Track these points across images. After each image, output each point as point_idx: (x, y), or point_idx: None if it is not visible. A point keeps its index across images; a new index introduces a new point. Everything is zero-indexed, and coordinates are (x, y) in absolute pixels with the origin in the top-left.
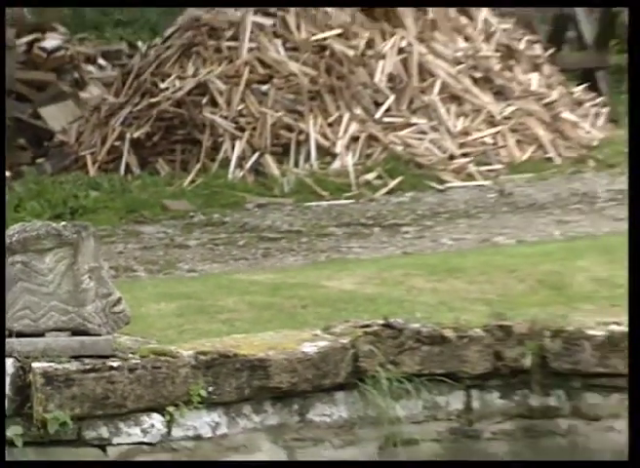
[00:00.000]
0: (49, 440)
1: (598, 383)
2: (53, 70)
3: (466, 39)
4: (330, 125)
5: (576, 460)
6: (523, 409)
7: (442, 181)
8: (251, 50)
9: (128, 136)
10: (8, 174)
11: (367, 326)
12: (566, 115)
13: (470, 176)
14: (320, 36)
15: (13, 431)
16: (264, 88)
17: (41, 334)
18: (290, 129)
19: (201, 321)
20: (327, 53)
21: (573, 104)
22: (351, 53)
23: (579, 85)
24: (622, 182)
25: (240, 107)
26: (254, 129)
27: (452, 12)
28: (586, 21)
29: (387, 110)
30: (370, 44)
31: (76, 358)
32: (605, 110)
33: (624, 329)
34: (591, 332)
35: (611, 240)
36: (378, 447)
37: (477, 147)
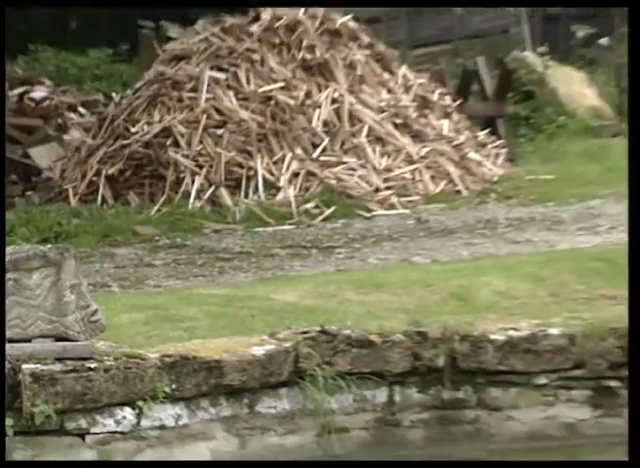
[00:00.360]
0: (35, 430)
1: (499, 379)
2: (40, 117)
3: (389, 91)
4: (275, 163)
5: (576, 460)
6: (437, 402)
7: (369, 210)
8: (207, 100)
9: (104, 172)
10: None
11: (306, 332)
12: (472, 155)
13: (392, 206)
14: (266, 88)
15: (5, 423)
16: (219, 131)
17: (29, 340)
18: (241, 166)
19: (165, 328)
20: (272, 102)
21: (477, 146)
22: (292, 102)
23: (482, 130)
24: (519, 211)
25: (199, 148)
26: (210, 166)
27: (376, 68)
28: (488, 77)
29: (323, 150)
30: (308, 95)
31: (59, 360)
32: (503, 151)
33: (522, 334)
34: (493, 337)
35: (509, 259)
36: (315, 434)
37: (398, 182)
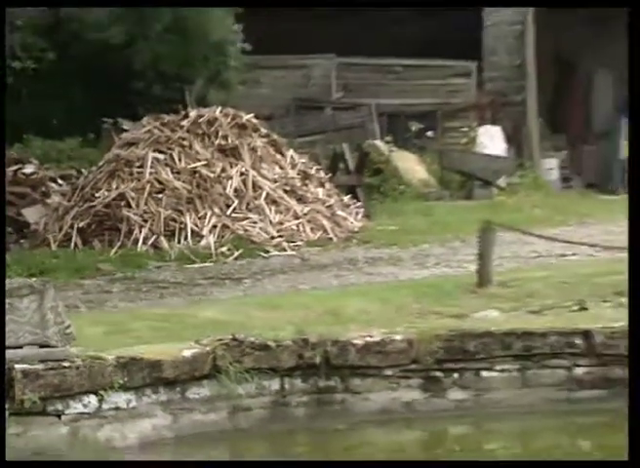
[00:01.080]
0: (25, 412)
1: (359, 372)
2: (30, 186)
3: (280, 167)
4: (199, 218)
5: (576, 460)
6: (314, 389)
7: (267, 252)
8: (151, 173)
9: (75, 225)
10: None
11: (221, 339)
12: (339, 212)
13: (283, 249)
14: (193, 165)
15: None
16: (159, 196)
17: (21, 347)
18: (175, 221)
19: (120, 338)
20: (197, 175)
21: (343, 206)
22: (212, 175)
23: (346, 195)
24: (372, 252)
25: (144, 208)
26: (153, 221)
27: (271, 151)
28: (350, 158)
29: (234, 209)
30: (223, 170)
31: (42, 361)
32: (362, 210)
33: (375, 339)
34: (355, 341)
35: (366, 287)
36: (228, 412)
37: (287, 231)
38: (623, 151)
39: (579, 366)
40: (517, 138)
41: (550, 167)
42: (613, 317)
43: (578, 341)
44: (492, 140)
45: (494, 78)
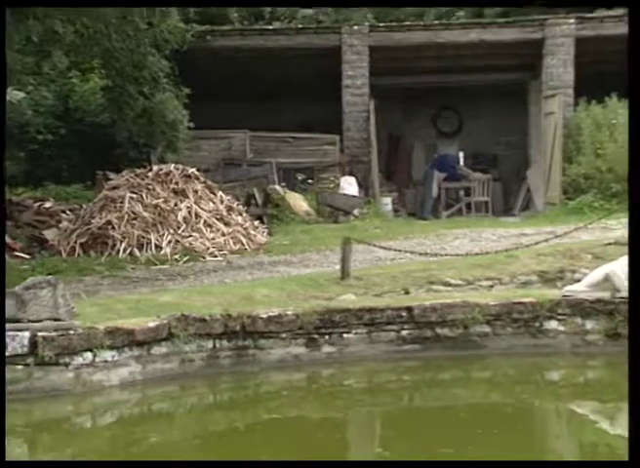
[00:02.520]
0: (44, 363)
1: (265, 336)
2: (48, 215)
3: (213, 203)
4: (160, 236)
5: (576, 460)
6: (235, 346)
7: (204, 258)
8: (128, 207)
9: (78, 241)
10: (28, 256)
11: (174, 315)
12: (252, 231)
13: (215, 256)
14: (155, 201)
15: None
16: (134, 221)
17: (41, 321)
18: (144, 238)
19: (107, 314)
20: (158, 208)
21: (254, 228)
22: (168, 208)
23: (256, 220)
24: (272, 258)
25: (124, 229)
26: (129, 238)
27: (208, 192)
28: (259, 196)
29: (183, 230)
30: (175, 204)
31: (56, 330)
32: (266, 231)
33: (274, 313)
34: (262, 315)
35: (269, 280)
36: (178, 363)
37: (218, 244)
38: (434, 192)
39: (404, 329)
40: (365, 185)
41: (386, 202)
42: (425, 297)
43: (403, 314)
44: (349, 186)
45: (350, 146)
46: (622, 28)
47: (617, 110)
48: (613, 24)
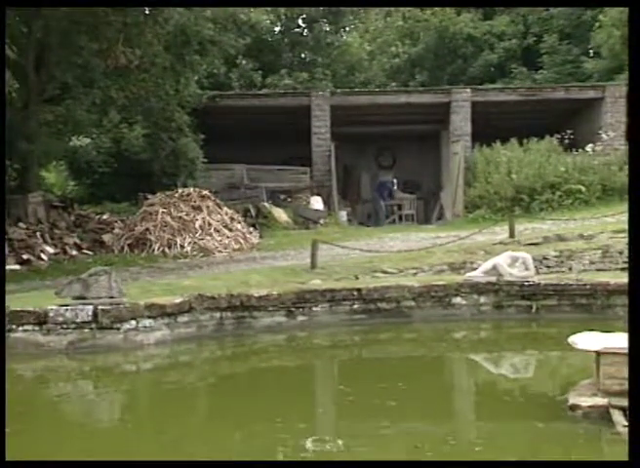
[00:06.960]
0: (103, 328)
1: (259, 309)
2: (106, 225)
3: (220, 215)
4: (183, 239)
5: (576, 460)
6: (236, 316)
7: (214, 254)
8: (161, 219)
9: (126, 243)
10: (91, 253)
11: (193, 294)
12: (248, 236)
13: (221, 253)
14: (179, 214)
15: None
16: (165, 228)
17: (100, 298)
18: (171, 240)
19: (146, 294)
20: (181, 219)
21: (249, 233)
22: (188, 218)
23: (251, 227)
24: (263, 254)
25: (157, 234)
26: (162, 240)
27: (217, 208)
28: (253, 211)
29: (199, 234)
30: (194, 216)
31: (111, 305)
32: (258, 234)
33: (262, 293)
34: (256, 295)
35: (259, 269)
36: (196, 328)
37: (223, 245)
38: (382, 206)
39: (355, 304)
40: (328, 202)
41: (342, 215)
42: (370, 281)
43: (355, 293)
44: (317, 203)
45: (317, 175)
46: (504, 96)
47: (499, 151)
48: (495, 93)
